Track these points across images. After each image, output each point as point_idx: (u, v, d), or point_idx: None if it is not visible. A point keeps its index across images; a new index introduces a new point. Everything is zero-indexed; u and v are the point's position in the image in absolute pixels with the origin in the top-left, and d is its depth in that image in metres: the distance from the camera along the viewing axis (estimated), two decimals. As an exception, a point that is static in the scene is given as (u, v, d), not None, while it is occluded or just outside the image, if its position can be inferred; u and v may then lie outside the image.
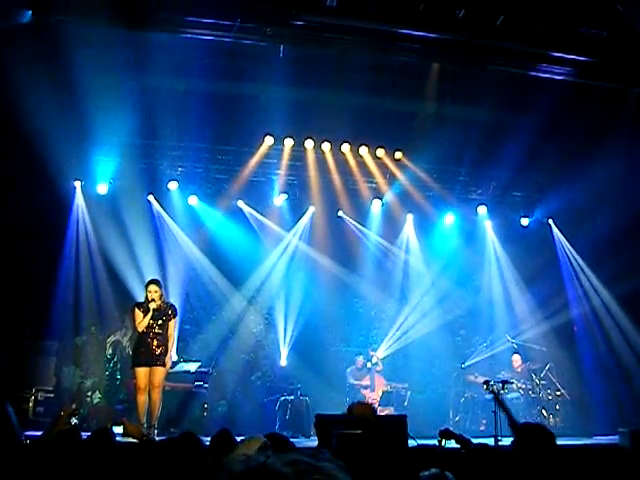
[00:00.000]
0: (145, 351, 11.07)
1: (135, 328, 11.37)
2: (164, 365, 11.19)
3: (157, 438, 9.61)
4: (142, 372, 11.01)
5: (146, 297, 11.21)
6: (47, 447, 5.22)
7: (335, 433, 8.10)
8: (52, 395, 13.48)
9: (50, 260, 14.21)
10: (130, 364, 11.55)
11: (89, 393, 14.31)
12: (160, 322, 11.20)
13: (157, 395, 11.09)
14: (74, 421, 6.82)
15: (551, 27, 11.19)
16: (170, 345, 11.35)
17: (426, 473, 4.13)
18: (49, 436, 5.98)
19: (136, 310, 11.21)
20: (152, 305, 11.07)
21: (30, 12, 10.34)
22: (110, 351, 14.79)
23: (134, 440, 6.75)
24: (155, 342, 11.10)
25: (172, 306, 11.55)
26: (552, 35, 11.33)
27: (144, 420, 10.97)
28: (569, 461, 4.27)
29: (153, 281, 11.42)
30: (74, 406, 12.03)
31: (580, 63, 11.95)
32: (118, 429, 6.98)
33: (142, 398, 10.99)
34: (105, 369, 14.72)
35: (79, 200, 15.03)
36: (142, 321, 11.07)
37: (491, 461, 4.26)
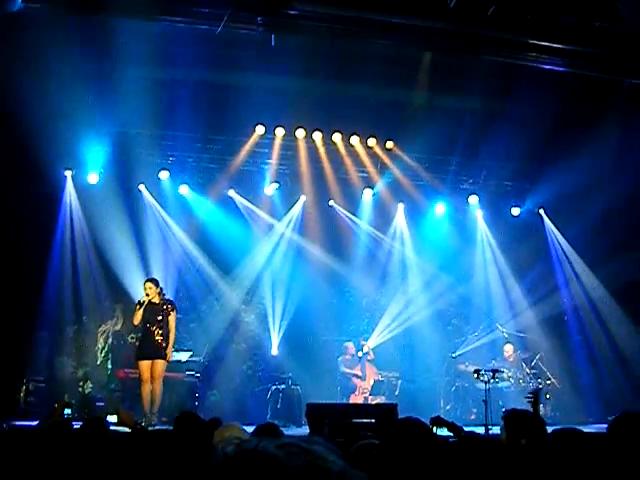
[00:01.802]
0: (147, 345, 12.01)
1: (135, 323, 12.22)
2: (165, 358, 12.05)
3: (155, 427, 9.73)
4: (145, 365, 11.87)
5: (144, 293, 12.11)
6: (39, 437, 5.23)
7: (327, 422, 8.14)
8: (44, 385, 13.51)
9: (40, 250, 14.21)
10: (121, 354, 11.91)
11: (80, 383, 14.32)
12: (160, 317, 12.10)
13: (158, 386, 11.90)
14: (67, 412, 6.85)
15: (542, 17, 11.19)
16: (171, 338, 12.21)
17: (355, 446, 4.15)
18: (43, 427, 6.00)
19: (136, 307, 12.03)
20: (144, 299, 11.98)
21: (20, 2, 10.26)
22: (101, 341, 14.79)
23: (127, 429, 6.77)
24: (156, 336, 11.99)
25: (170, 301, 12.56)
26: (543, 25, 11.33)
27: (148, 410, 11.65)
28: (559, 448, 4.28)
29: (149, 279, 12.45)
30: (67, 398, 12.13)
31: (570, 53, 11.96)
32: (112, 418, 7.00)
33: (146, 389, 11.79)
34: (96, 359, 14.72)
35: (69, 189, 14.97)
36: (135, 315, 11.99)
37: (480, 449, 4.27)
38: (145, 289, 12.10)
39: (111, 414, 8.86)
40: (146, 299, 11.98)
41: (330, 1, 10.73)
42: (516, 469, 4.15)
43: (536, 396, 7.52)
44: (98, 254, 14.73)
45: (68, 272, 14.60)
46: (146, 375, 11.81)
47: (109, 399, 13.19)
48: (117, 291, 14.78)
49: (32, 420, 9.68)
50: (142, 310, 11.93)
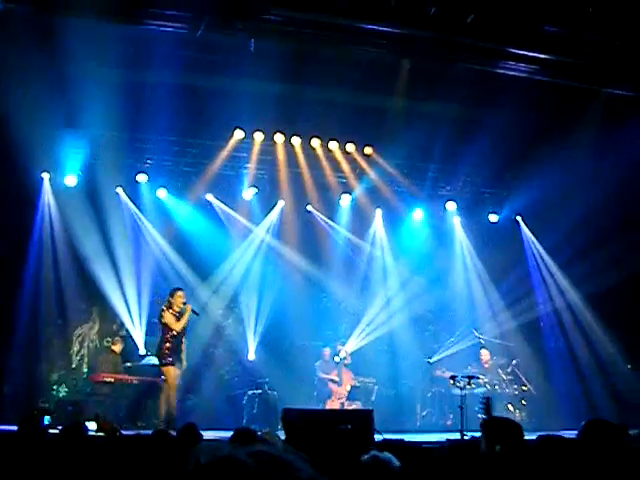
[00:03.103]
0: (180, 352, 12.24)
1: (170, 329, 12.11)
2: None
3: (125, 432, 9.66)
4: (177, 371, 12.11)
5: (173, 302, 12.25)
6: (17, 445, 5.20)
7: (301, 427, 8.13)
8: (18, 389, 13.42)
9: (17, 252, 14.11)
10: (98, 358, 11.76)
11: (54, 387, 14.24)
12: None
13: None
14: (47, 419, 6.80)
15: (519, 25, 11.29)
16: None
17: (366, 456, 4.18)
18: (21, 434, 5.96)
19: (168, 313, 12.16)
20: (189, 307, 12.29)
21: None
22: (77, 344, 14.70)
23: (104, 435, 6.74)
24: (183, 344, 12.33)
25: None
26: (520, 33, 11.44)
27: (173, 415, 11.74)
28: (536, 454, 4.33)
29: (181, 288, 12.74)
30: (41, 402, 12.02)
31: (547, 61, 12.07)
32: (91, 424, 6.96)
33: (174, 394, 11.94)
34: (71, 362, 14.63)
35: (47, 192, 14.88)
36: (181, 321, 12.17)
37: (458, 456, 4.30)
38: (181, 297, 12.30)
39: (89, 420, 8.82)
40: (188, 308, 12.25)
41: (309, 7, 10.73)
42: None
43: (487, 403, 7.59)
44: (74, 257, 14.64)
45: (44, 275, 14.50)
46: (176, 382, 12.03)
47: (85, 405, 13.07)
48: (93, 294, 14.71)
49: (6, 424, 9.62)
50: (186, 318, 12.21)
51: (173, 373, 11.95)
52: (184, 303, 12.29)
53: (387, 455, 4.12)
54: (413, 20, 11.14)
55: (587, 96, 13.61)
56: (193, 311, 12.37)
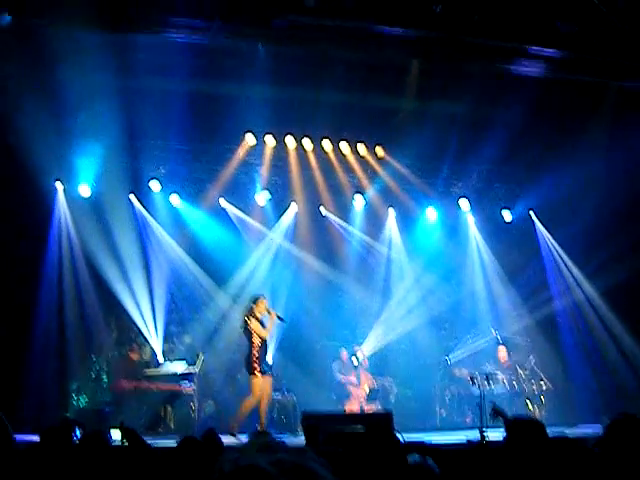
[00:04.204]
0: (266, 360, 12.36)
1: (257, 336, 12.04)
2: None
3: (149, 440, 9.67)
4: (268, 380, 12.19)
5: (255, 309, 12.17)
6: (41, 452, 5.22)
7: (322, 430, 8.14)
8: (38, 398, 13.45)
9: (33, 262, 14.17)
10: (119, 367, 11.72)
11: (74, 396, 14.29)
12: None
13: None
14: (78, 433, 6.78)
15: (528, 22, 11.27)
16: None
17: (410, 459, 4.21)
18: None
19: (254, 321, 12.10)
20: (273, 313, 12.25)
21: (9, 16, 10.28)
22: (96, 353, 14.73)
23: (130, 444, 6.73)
24: (269, 350, 12.53)
25: None
26: (529, 30, 11.42)
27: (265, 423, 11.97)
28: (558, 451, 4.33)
29: (263, 295, 12.60)
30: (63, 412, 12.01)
31: (557, 58, 12.04)
32: (115, 433, 6.97)
33: (266, 403, 12.18)
34: (91, 371, 14.67)
35: (61, 201, 14.95)
36: (268, 328, 12.20)
37: (480, 457, 4.32)
38: (264, 303, 12.25)
39: (114, 428, 8.83)
40: (273, 314, 12.20)
41: (317, 12, 10.76)
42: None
43: (497, 411, 7.58)
44: (90, 266, 14.68)
45: (60, 284, 14.56)
46: (269, 390, 12.17)
47: (106, 413, 13.07)
48: (111, 303, 14.76)
49: (28, 434, 9.65)
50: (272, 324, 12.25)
51: (260, 384, 11.91)
52: (268, 310, 12.25)
53: (430, 461, 4.15)
54: (419, 20, 11.15)
55: (600, 92, 13.57)
56: (278, 317, 12.31)
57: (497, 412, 7.25)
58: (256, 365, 11.89)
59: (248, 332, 12.11)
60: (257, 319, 12.09)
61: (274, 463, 1.59)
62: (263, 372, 11.95)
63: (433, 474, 4.00)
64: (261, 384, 11.89)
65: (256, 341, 11.99)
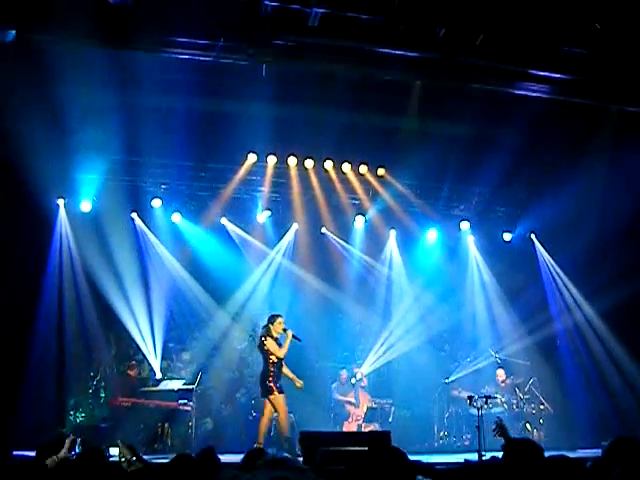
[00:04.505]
0: (281, 378, 12.20)
1: (273, 355, 12.08)
2: None
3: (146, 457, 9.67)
4: (284, 398, 12.10)
5: (272, 329, 12.25)
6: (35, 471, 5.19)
7: (319, 450, 8.12)
8: (35, 414, 13.40)
9: (33, 278, 14.17)
10: (117, 383, 11.69)
11: (71, 412, 14.24)
12: None
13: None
14: (78, 448, 6.75)
15: (530, 45, 11.32)
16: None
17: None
18: (51, 463, 5.94)
19: (271, 340, 12.18)
20: (289, 333, 12.23)
21: (14, 32, 10.32)
22: (94, 369, 14.70)
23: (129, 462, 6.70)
24: (283, 368, 12.34)
25: None
26: (531, 53, 11.46)
27: (284, 438, 11.96)
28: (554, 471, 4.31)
29: (280, 315, 12.66)
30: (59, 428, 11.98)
31: (559, 81, 12.07)
32: (114, 450, 6.95)
33: (285, 419, 12.07)
34: (88, 387, 14.63)
35: (62, 218, 14.98)
36: (284, 347, 12.17)
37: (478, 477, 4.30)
38: (281, 324, 12.31)
39: (111, 446, 8.80)
40: (289, 333, 12.20)
41: (319, 32, 10.79)
42: None
43: (501, 426, 7.55)
44: (90, 282, 14.68)
45: (60, 300, 14.55)
46: (286, 408, 12.07)
47: (103, 430, 13.03)
48: (110, 319, 14.75)
49: (25, 450, 9.61)
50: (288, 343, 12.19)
51: (281, 401, 11.96)
52: (284, 329, 12.29)
53: None
54: (422, 42, 11.19)
55: (600, 115, 13.61)
56: (294, 336, 12.31)
57: (501, 428, 7.22)
58: (272, 384, 11.96)
59: (265, 352, 12.15)
60: (274, 339, 12.18)
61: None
62: (281, 391, 12.02)
63: None
64: (281, 401, 11.95)
65: (271, 360, 12.05)
